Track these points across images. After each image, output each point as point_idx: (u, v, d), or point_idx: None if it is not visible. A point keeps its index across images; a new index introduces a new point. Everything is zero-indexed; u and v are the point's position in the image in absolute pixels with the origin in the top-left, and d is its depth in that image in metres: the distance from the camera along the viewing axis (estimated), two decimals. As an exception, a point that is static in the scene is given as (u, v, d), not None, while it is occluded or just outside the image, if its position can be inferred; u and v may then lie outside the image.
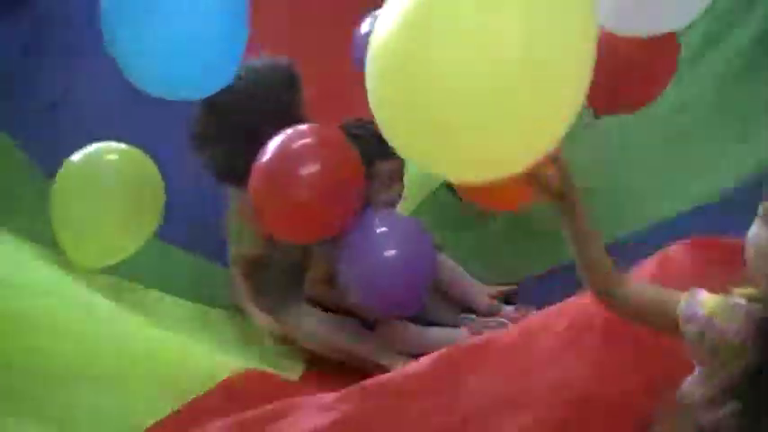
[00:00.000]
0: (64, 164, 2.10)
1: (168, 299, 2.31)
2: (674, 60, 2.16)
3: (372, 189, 2.24)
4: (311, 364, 2.31)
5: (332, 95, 2.52)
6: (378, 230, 2.08)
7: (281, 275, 2.39)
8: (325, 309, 2.34)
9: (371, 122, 2.22)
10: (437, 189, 2.71)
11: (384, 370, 2.15)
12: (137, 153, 2.15)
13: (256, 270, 2.36)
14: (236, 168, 2.16)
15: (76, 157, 2.10)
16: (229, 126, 2.22)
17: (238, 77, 2.08)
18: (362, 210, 2.13)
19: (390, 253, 2.04)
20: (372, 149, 2.17)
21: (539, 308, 2.28)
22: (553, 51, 1.12)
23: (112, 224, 2.09)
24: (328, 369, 2.26)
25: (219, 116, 2.22)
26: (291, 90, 2.27)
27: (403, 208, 2.51)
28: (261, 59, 2.29)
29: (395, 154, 2.15)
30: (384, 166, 2.25)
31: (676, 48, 2.14)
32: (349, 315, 2.30)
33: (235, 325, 2.39)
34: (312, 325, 2.29)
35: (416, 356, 2.10)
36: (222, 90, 2.03)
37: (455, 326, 2.33)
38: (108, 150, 2.13)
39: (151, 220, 2.16)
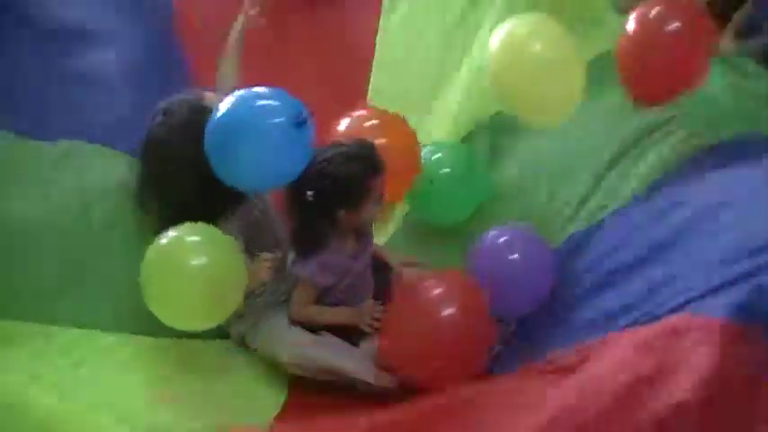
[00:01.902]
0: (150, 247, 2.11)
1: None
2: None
3: (368, 207, 2.31)
4: (295, 388, 2.32)
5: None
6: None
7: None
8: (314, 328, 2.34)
9: (346, 144, 2.36)
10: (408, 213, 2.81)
11: (370, 387, 2.24)
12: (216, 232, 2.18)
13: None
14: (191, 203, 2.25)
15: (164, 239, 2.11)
16: (168, 163, 2.29)
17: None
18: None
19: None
20: (364, 169, 2.29)
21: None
22: None
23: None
24: (312, 395, 2.29)
25: (156, 159, 2.32)
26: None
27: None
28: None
29: (382, 167, 2.31)
30: (375, 182, 2.32)
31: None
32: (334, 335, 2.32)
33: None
34: (297, 345, 2.29)
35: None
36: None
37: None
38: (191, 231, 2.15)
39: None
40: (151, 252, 2.08)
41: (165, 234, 2.08)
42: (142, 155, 2.36)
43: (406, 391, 2.15)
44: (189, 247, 2.10)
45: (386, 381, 2.23)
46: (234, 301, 2.13)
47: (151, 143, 2.33)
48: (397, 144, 2.53)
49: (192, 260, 2.07)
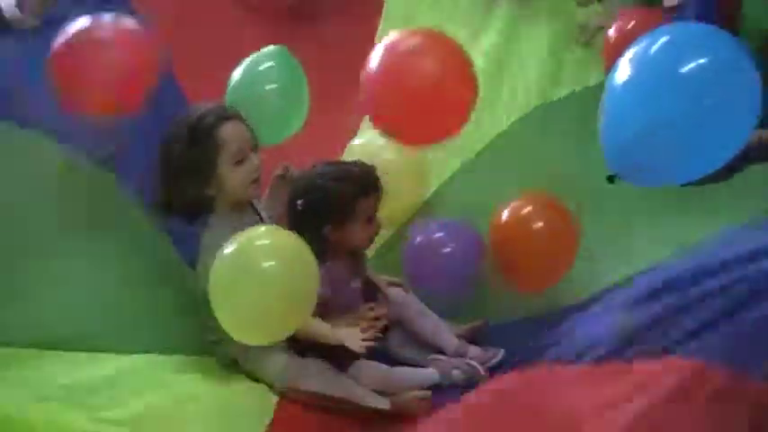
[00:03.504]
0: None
1: None
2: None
3: (355, 228, 2.33)
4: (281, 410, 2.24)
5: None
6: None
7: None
8: (303, 348, 2.32)
9: (345, 163, 2.37)
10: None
11: (362, 409, 2.21)
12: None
13: None
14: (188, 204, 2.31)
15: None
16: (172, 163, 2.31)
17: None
18: None
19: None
20: (353, 189, 2.32)
21: (506, 348, 2.36)
22: None
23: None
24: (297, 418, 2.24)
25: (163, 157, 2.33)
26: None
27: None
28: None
29: (373, 191, 2.31)
30: (364, 204, 2.34)
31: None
32: (323, 355, 2.30)
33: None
34: (285, 370, 2.26)
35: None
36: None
37: (423, 366, 2.36)
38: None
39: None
40: (219, 260, 2.00)
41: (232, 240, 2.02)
42: None
43: (399, 413, 2.18)
44: (259, 251, 2.01)
45: (379, 403, 2.23)
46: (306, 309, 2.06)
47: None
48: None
49: (264, 265, 1.97)
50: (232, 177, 2.30)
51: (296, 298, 2.01)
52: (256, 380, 2.27)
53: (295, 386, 2.23)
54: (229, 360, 2.32)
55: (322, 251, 2.31)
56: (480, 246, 2.48)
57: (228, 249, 2.00)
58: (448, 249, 2.48)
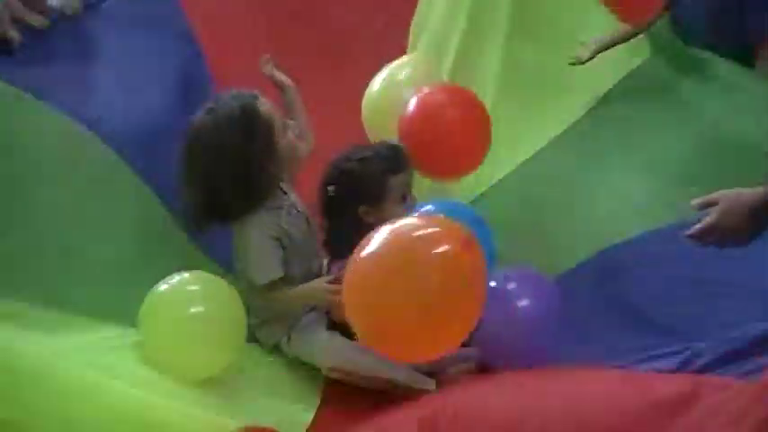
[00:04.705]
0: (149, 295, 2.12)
1: None
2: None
3: (387, 206, 2.34)
4: (328, 392, 2.32)
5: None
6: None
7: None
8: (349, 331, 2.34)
9: (372, 145, 2.40)
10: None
11: (402, 387, 2.24)
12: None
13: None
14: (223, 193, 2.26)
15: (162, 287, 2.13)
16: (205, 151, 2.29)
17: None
18: None
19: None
20: (382, 167, 2.35)
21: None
22: None
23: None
24: (346, 400, 2.28)
25: (194, 147, 2.31)
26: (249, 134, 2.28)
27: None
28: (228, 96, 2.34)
29: (403, 167, 2.34)
30: (396, 181, 2.37)
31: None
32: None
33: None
34: (340, 351, 2.29)
35: (430, 374, 2.25)
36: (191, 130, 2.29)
37: (465, 345, 2.36)
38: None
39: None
40: (148, 300, 2.10)
41: (163, 282, 2.12)
42: (183, 142, 2.32)
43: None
44: (187, 296, 2.14)
45: (427, 384, 2.25)
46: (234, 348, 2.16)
47: (193, 130, 2.31)
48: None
49: (191, 309, 2.11)
50: (287, 141, 2.34)
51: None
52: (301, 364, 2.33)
53: (341, 367, 2.27)
54: (272, 343, 2.37)
55: (359, 234, 2.33)
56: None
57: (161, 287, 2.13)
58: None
